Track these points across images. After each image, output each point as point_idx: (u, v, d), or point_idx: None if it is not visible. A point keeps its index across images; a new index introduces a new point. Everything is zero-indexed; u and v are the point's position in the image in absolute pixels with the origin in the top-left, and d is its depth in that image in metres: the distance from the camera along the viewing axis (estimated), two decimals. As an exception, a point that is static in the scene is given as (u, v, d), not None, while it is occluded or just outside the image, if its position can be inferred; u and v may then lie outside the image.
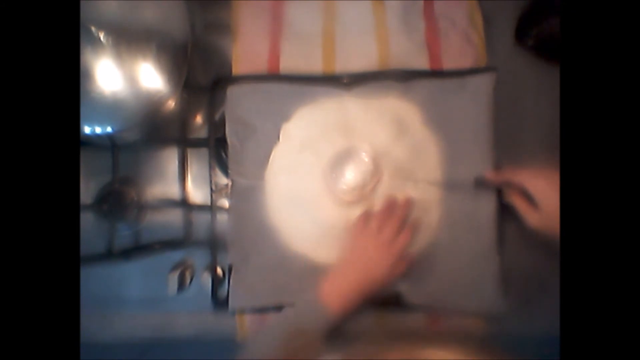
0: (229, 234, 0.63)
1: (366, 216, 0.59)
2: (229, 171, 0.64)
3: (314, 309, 0.53)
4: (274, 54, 0.68)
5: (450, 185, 0.63)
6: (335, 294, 0.53)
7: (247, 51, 0.68)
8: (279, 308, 0.61)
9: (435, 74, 0.66)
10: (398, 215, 0.58)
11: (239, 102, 0.65)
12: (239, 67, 0.67)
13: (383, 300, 0.60)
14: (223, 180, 0.66)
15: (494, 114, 0.64)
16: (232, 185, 0.64)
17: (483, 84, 0.64)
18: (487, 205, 0.62)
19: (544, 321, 0.56)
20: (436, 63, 0.67)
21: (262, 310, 0.62)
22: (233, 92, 0.65)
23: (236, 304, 0.62)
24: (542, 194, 0.52)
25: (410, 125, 0.64)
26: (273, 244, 0.63)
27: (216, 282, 0.63)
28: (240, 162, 0.64)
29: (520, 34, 0.68)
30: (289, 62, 0.67)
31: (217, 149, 0.66)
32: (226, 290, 0.62)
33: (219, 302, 0.63)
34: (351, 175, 0.61)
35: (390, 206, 0.60)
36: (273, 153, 0.64)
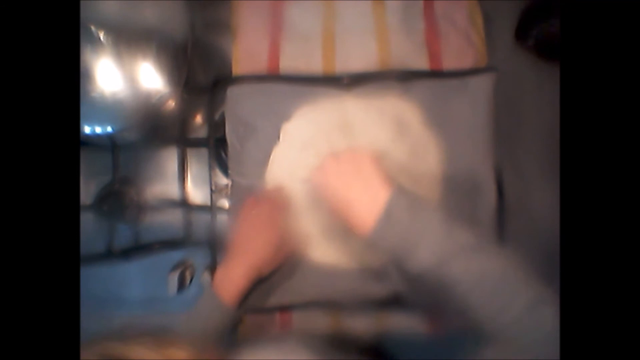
0: (230, 235, 0.63)
1: (251, 205, 0.59)
2: (229, 171, 0.64)
3: (210, 303, 0.52)
4: (274, 54, 0.68)
5: (450, 184, 0.63)
6: (225, 282, 0.52)
7: (247, 51, 0.68)
8: (281, 308, 0.61)
9: (435, 74, 0.66)
10: (270, 197, 0.59)
11: (239, 102, 0.65)
12: (239, 67, 0.67)
13: (383, 301, 0.60)
14: (223, 180, 0.66)
15: (494, 113, 0.64)
16: (232, 185, 0.64)
17: (483, 84, 0.64)
18: (487, 204, 0.62)
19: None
20: (436, 63, 0.67)
21: (263, 310, 0.62)
22: (233, 93, 0.64)
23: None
24: None
25: (410, 125, 0.64)
26: None
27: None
28: (240, 162, 0.64)
29: (521, 33, 0.68)
30: (289, 62, 0.68)
31: (217, 149, 0.66)
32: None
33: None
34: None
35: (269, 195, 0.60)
36: (273, 153, 0.64)
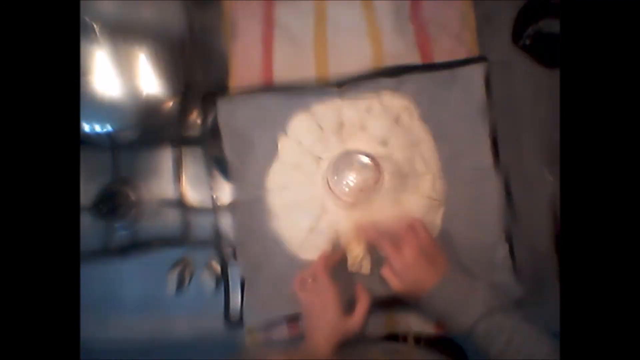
0: (238, 249, 0.63)
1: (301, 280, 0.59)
2: (231, 187, 0.64)
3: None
4: (268, 57, 0.68)
5: (451, 178, 0.63)
6: (317, 347, 0.54)
7: (242, 53, 0.68)
8: (292, 318, 0.62)
9: (427, 67, 0.66)
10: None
11: (233, 115, 0.65)
12: (235, 71, 0.68)
13: (389, 300, 0.60)
14: (221, 180, 0.66)
15: (490, 107, 0.64)
16: (235, 200, 0.64)
17: (475, 74, 0.65)
18: (491, 195, 0.62)
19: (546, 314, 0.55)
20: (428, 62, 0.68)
21: (275, 323, 0.62)
22: (226, 106, 0.65)
23: (251, 318, 0.61)
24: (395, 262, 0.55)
25: (407, 122, 0.64)
26: (282, 253, 0.63)
27: (228, 299, 0.63)
28: (241, 176, 0.64)
29: (517, 33, 0.68)
30: (282, 67, 0.68)
31: (214, 148, 0.66)
32: (239, 306, 0.62)
33: (232, 321, 0.62)
34: (352, 177, 0.60)
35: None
36: (272, 163, 0.64)
